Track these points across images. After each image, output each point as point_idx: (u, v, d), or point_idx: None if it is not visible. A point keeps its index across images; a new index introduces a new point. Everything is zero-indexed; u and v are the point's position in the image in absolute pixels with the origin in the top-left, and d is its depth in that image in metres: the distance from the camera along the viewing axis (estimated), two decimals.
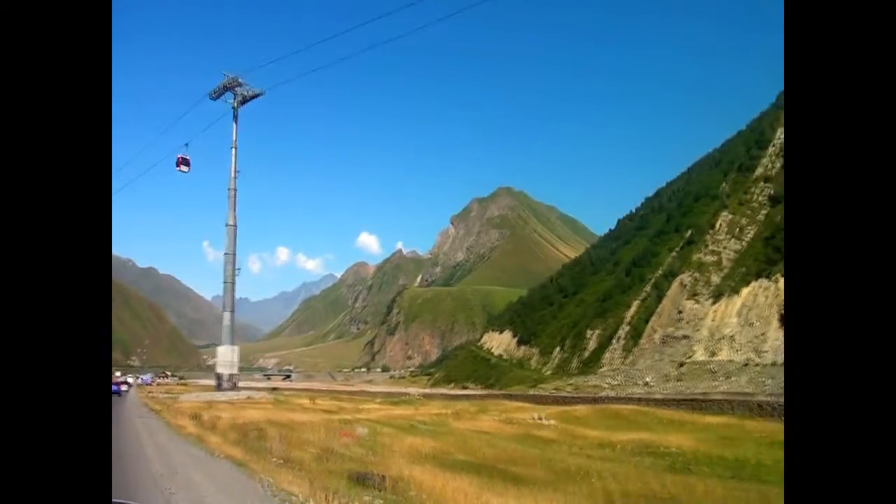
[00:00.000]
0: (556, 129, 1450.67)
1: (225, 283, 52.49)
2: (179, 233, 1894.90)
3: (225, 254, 52.39)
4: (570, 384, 60.39)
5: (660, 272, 72.35)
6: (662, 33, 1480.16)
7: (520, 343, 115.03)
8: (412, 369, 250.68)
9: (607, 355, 70.04)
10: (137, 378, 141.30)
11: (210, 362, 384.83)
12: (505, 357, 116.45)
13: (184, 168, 50.12)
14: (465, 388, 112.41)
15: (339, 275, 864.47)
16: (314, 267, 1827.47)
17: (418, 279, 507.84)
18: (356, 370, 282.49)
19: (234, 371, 53.06)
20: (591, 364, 73.87)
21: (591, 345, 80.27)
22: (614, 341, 70.65)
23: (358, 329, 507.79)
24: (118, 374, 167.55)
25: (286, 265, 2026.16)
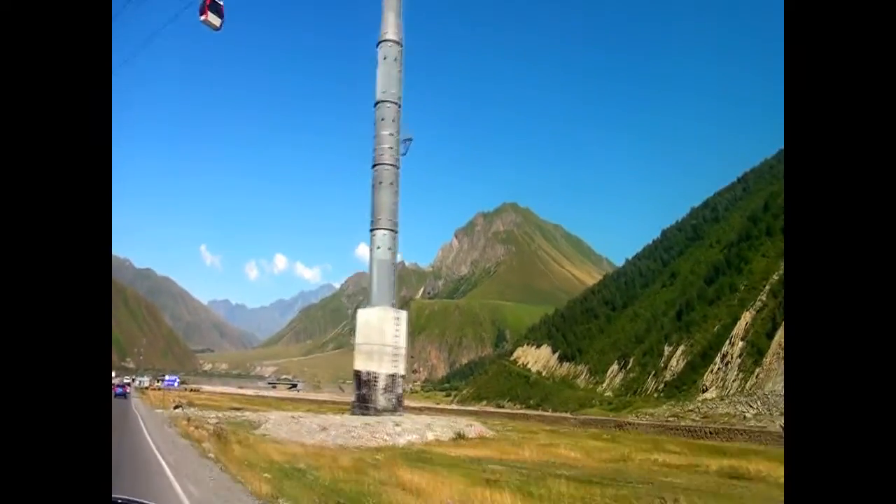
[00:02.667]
0: (563, 147, 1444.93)
1: (376, 184, 37.38)
2: (177, 236, 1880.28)
3: (389, 134, 37.68)
4: (670, 410, 50.42)
5: (776, 277, 61.85)
6: (676, 54, 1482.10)
7: (562, 359, 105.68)
8: (416, 384, 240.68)
9: (709, 377, 60.15)
10: (133, 380, 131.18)
11: (206, 367, 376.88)
12: (545, 374, 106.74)
13: (212, 19, 23.67)
14: (499, 406, 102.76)
15: (337, 284, 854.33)
16: (312, 276, 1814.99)
17: (420, 292, 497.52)
18: None
19: (399, 370, 34.55)
20: (681, 386, 64.08)
21: (676, 363, 70.47)
22: (718, 359, 60.56)
23: None
24: (115, 378, 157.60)
25: (284, 273, 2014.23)
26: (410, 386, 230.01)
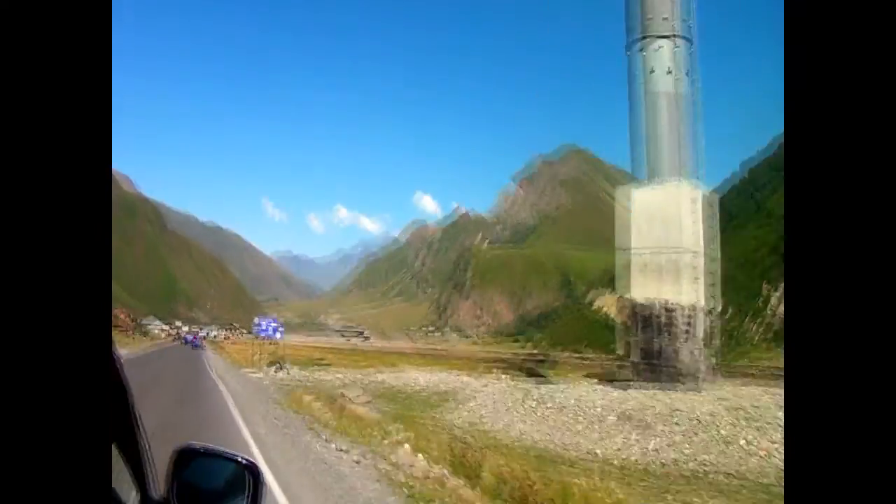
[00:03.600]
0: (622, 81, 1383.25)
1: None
2: (239, 189, 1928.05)
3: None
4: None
5: None
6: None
7: None
8: (481, 330, 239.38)
9: None
10: (201, 330, 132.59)
11: (273, 316, 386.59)
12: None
13: None
14: (576, 352, 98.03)
15: (396, 234, 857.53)
16: (372, 226, 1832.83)
17: (478, 238, 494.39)
18: (424, 329, 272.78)
19: (703, 300, 22.69)
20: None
21: (779, 305, 63.75)
22: None
23: (421, 289, 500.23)
24: (181, 324, 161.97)
25: (345, 224, 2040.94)
26: (477, 334, 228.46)
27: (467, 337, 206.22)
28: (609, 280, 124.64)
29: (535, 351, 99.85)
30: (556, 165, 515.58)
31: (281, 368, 28.99)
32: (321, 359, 46.29)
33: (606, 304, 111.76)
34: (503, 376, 32.97)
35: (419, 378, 26.26)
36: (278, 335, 44.32)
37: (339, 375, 28.29)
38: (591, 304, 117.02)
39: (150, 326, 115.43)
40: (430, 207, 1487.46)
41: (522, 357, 78.36)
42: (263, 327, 43.06)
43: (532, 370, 41.46)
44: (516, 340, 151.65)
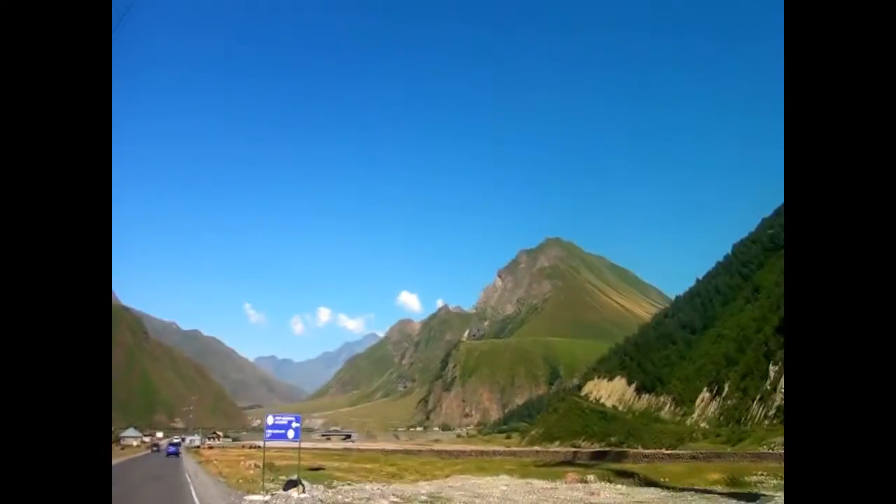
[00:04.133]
0: (603, 178, 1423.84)
1: None
2: (221, 295, 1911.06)
3: None
4: None
5: None
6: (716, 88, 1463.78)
7: (640, 391, 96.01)
8: (470, 428, 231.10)
9: None
10: (184, 439, 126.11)
11: (255, 423, 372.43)
12: (621, 408, 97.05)
13: None
14: (574, 446, 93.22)
15: (381, 334, 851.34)
16: (355, 327, 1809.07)
17: (465, 334, 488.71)
18: (411, 429, 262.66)
19: None
20: None
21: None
22: None
23: (405, 387, 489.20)
24: (160, 434, 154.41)
25: (328, 325, 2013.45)
26: (465, 430, 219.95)
27: (457, 434, 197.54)
28: (600, 365, 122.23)
29: (557, 447, 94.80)
30: (535, 255, 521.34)
31: (296, 485, 19.82)
32: (320, 468, 40.94)
33: (601, 391, 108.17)
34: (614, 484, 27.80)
35: (478, 486, 22.21)
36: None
37: (371, 488, 22.48)
38: (584, 393, 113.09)
39: (129, 438, 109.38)
40: (414, 306, 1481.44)
41: (590, 452, 73.37)
42: (280, 425, 21.36)
43: (624, 472, 35.59)
44: (508, 436, 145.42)
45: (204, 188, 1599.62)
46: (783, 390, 59.89)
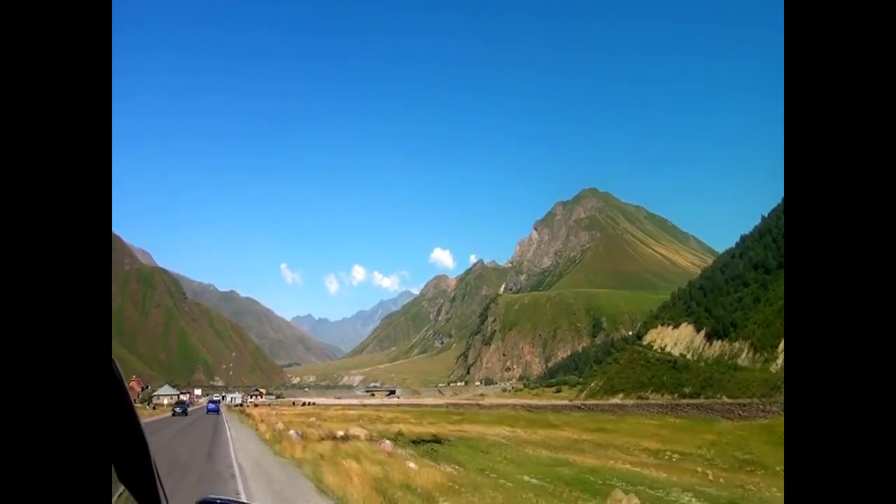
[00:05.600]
0: (638, 123, 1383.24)
1: None
2: (257, 256, 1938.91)
3: None
4: None
5: None
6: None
7: (711, 337, 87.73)
8: (514, 381, 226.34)
9: None
10: (224, 396, 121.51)
11: (295, 380, 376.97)
12: (690, 356, 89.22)
13: None
14: (640, 398, 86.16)
15: (416, 291, 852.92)
16: (390, 284, 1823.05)
17: (502, 288, 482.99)
18: (451, 384, 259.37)
19: None
20: None
21: None
22: None
23: (442, 343, 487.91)
24: (198, 392, 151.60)
25: (362, 284, 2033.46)
26: (510, 384, 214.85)
27: (503, 389, 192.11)
28: (662, 312, 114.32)
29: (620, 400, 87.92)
30: (572, 206, 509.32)
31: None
32: (437, 425, 33.59)
33: (665, 339, 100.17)
34: None
35: None
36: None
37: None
38: (647, 342, 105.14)
39: (162, 396, 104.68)
40: (447, 262, 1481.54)
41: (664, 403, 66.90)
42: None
43: None
44: (558, 389, 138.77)
45: (238, 151, 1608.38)
46: (783, 391, 52.26)
